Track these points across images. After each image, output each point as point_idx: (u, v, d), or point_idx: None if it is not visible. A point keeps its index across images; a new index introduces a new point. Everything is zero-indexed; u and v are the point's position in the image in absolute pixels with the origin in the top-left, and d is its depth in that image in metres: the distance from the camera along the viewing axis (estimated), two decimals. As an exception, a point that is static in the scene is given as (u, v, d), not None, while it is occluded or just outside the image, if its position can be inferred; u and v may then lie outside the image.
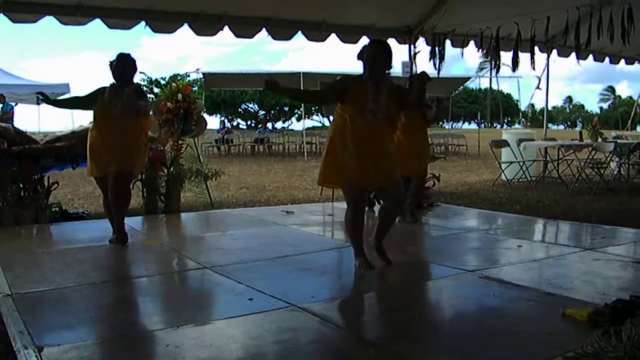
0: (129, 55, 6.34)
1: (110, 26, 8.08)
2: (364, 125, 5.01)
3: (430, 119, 7.83)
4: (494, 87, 63.15)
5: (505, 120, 68.01)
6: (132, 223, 7.66)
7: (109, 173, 6.25)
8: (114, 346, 3.42)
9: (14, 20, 7.57)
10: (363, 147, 5.01)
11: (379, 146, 5.08)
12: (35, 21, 7.67)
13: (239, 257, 5.70)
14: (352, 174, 5.05)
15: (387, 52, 5.18)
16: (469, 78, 30.26)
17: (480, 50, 10.80)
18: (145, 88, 7.81)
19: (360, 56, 5.19)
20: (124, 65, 6.30)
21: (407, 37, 10.10)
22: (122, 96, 6.20)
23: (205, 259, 5.65)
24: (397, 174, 5.29)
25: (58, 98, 6.33)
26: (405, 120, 6.90)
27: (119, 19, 8.11)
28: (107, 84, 6.35)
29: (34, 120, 22.24)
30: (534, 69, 10.96)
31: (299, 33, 9.39)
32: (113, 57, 6.31)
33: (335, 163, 5.12)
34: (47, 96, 6.61)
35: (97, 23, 7.91)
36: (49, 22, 7.68)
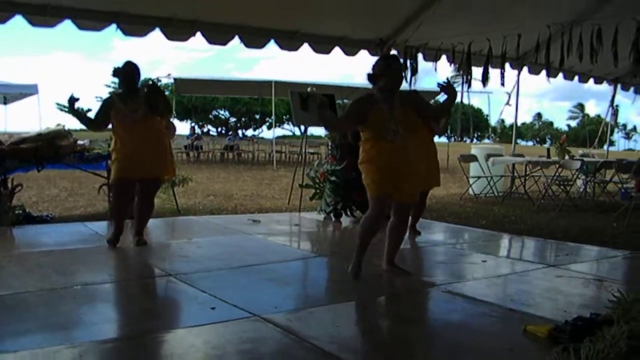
0: (135, 63, 6.44)
1: (80, 27, 7.98)
2: (387, 145, 5.08)
3: (438, 132, 7.86)
4: (465, 101, 63.70)
5: (475, 135, 68.65)
6: (97, 228, 7.61)
7: (140, 176, 6.41)
8: (72, 353, 3.36)
9: (-18, 21, 7.48)
10: (394, 166, 5.08)
11: (408, 163, 5.15)
12: (4, 21, 7.56)
13: (203, 265, 5.67)
14: (390, 189, 5.12)
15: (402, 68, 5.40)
16: (440, 92, 30.49)
17: (452, 64, 10.89)
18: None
19: (377, 71, 5.20)
20: (133, 72, 6.42)
21: (380, 49, 10.14)
22: (140, 101, 6.32)
23: (169, 266, 5.61)
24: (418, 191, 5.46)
25: (79, 111, 6.30)
26: None
27: (89, 20, 8.02)
28: (110, 95, 6.45)
29: (0, 120, 21.96)
30: (503, 85, 11.10)
31: (272, 41, 9.38)
32: (119, 65, 6.41)
33: (372, 177, 5.15)
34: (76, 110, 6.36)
35: (68, 23, 7.84)
36: (18, 21, 7.60)
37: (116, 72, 6.39)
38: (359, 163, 5.29)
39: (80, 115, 6.31)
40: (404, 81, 5.50)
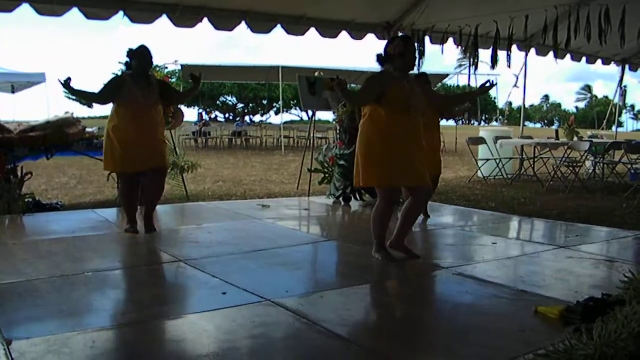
0: (149, 48, 6.36)
1: (88, 16, 7.97)
2: (406, 123, 5.09)
3: (448, 116, 7.90)
4: (473, 84, 63.37)
5: (483, 118, 68.31)
6: (107, 215, 7.65)
7: (146, 168, 6.36)
8: (84, 339, 3.37)
9: (-11, 10, 7.47)
10: (408, 144, 5.09)
11: (420, 143, 5.20)
12: (11, 10, 7.55)
13: (213, 251, 5.69)
14: (399, 172, 5.10)
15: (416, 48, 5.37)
16: (447, 75, 30.33)
17: (459, 47, 10.85)
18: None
19: (394, 51, 5.17)
20: (149, 55, 6.36)
21: (387, 32, 10.10)
22: (153, 87, 6.32)
23: (179, 252, 5.62)
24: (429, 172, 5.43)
25: (79, 89, 6.16)
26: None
27: (97, 8, 8.00)
28: (120, 74, 6.49)
29: (9, 108, 21.99)
30: (509, 67, 11.05)
31: (278, 26, 9.35)
32: (134, 47, 6.34)
33: (381, 163, 5.11)
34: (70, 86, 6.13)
35: (75, 12, 7.82)
36: (25, 10, 7.58)
37: (131, 54, 6.30)
38: (363, 140, 5.19)
39: (81, 92, 6.24)
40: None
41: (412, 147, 5.11)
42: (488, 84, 5.56)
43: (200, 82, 6.67)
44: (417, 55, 5.29)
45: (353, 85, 22.69)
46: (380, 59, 5.21)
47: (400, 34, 9.79)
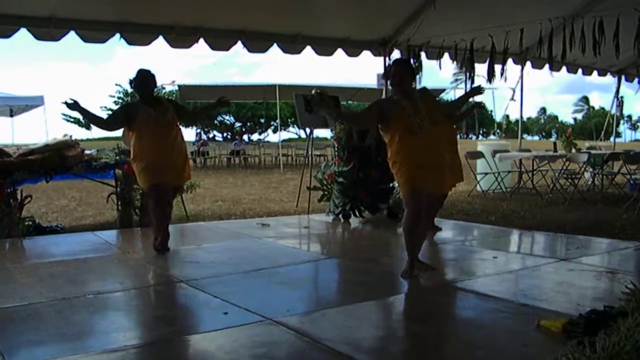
0: (149, 71, 6.45)
1: (85, 39, 8.03)
2: (416, 141, 5.17)
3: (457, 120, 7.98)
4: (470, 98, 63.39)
5: (481, 132, 68.46)
6: (107, 237, 7.64)
7: (172, 183, 6.55)
8: (86, 363, 3.37)
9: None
10: (425, 159, 5.17)
11: (438, 155, 5.31)
12: (9, 36, 7.59)
13: (214, 271, 5.68)
14: (422, 184, 5.19)
15: (411, 68, 5.60)
16: (444, 90, 30.42)
17: (455, 62, 10.89)
18: (121, 100, 7.81)
19: (386, 75, 5.43)
20: (152, 77, 6.44)
21: (382, 49, 10.15)
22: (166, 106, 6.43)
23: (180, 273, 5.62)
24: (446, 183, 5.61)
25: (87, 109, 6.18)
26: None
27: (94, 31, 8.05)
28: (132, 101, 6.62)
29: (8, 132, 22.06)
30: (505, 80, 11.09)
31: (274, 45, 9.40)
32: (132, 76, 6.48)
33: (408, 174, 5.22)
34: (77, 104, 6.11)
35: (72, 35, 7.88)
36: (23, 35, 7.63)
37: (133, 83, 6.47)
38: (391, 164, 5.38)
39: (89, 114, 6.32)
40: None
41: (424, 162, 5.17)
42: (476, 89, 5.75)
43: (224, 106, 6.77)
44: (400, 74, 5.34)
45: (349, 102, 22.76)
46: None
47: (396, 52, 9.93)
